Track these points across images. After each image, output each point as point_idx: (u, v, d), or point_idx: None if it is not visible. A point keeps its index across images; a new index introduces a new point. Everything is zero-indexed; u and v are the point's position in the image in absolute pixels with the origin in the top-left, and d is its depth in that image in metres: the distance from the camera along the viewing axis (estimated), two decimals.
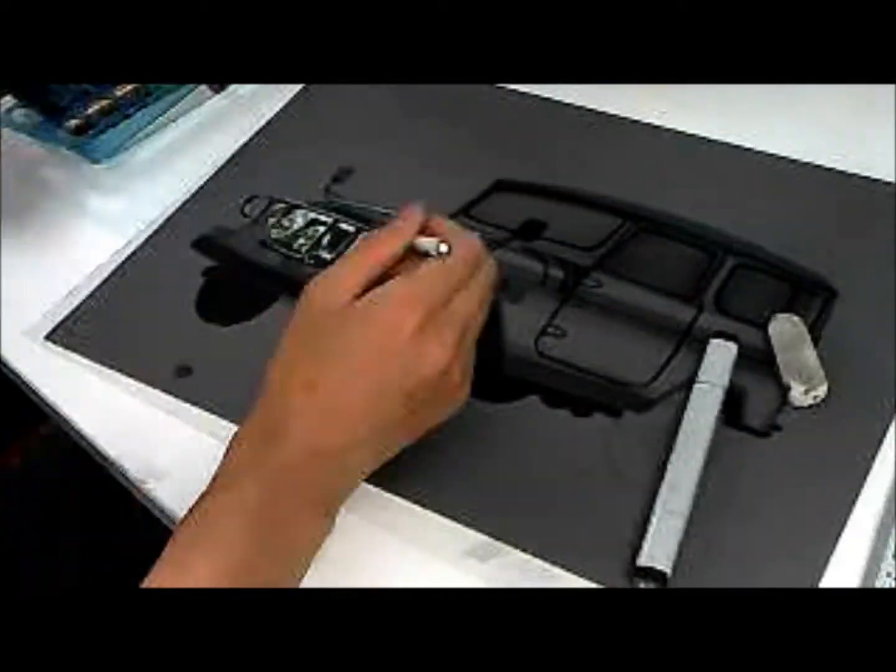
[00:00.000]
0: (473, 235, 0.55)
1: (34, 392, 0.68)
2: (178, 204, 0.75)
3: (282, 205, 0.73)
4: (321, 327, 0.53)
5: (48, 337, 0.68)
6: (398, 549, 0.56)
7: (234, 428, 0.54)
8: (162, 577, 0.48)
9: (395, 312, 0.52)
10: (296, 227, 0.72)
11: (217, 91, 0.82)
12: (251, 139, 0.78)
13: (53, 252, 0.75)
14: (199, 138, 0.80)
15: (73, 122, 0.77)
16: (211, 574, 0.48)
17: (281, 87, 0.82)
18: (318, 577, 0.52)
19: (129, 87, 0.78)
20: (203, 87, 0.81)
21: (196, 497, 0.51)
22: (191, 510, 0.50)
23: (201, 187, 0.76)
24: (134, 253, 0.72)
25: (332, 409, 0.51)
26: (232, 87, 0.82)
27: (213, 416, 0.62)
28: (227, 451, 0.52)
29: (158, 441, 0.62)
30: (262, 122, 0.80)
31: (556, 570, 0.53)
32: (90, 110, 0.77)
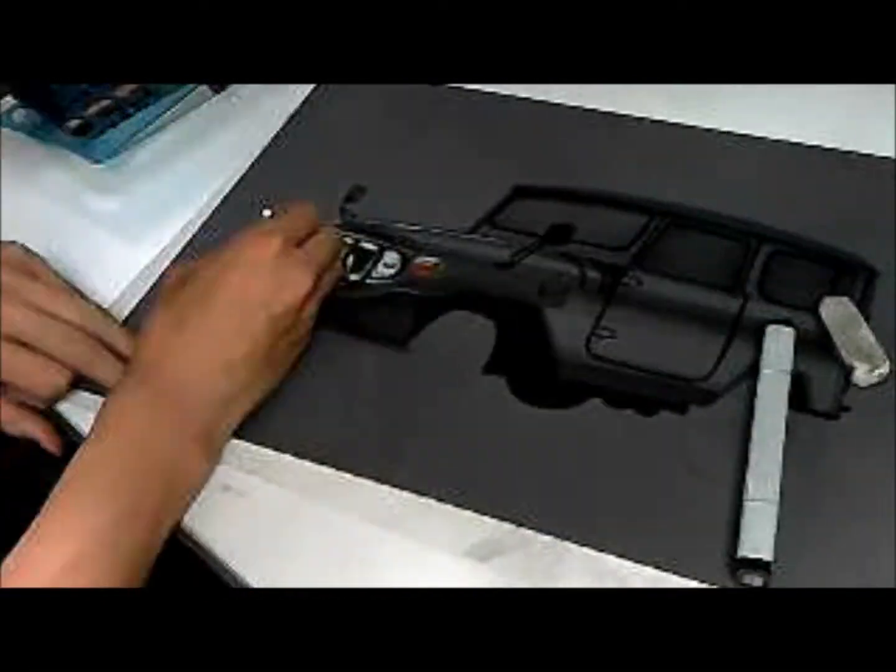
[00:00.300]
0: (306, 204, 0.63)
1: None
2: (186, 234, 0.71)
3: None
4: (193, 273, 0.58)
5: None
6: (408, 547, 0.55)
7: (292, 460, 0.58)
8: (47, 526, 0.50)
9: (256, 240, 0.58)
10: None
11: (217, 91, 0.80)
12: (255, 161, 0.75)
13: (53, 252, 0.71)
14: (199, 138, 0.78)
15: (73, 122, 0.76)
16: (93, 525, 0.49)
17: (281, 87, 0.80)
18: (319, 576, 0.51)
19: (129, 87, 0.76)
20: (203, 87, 0.79)
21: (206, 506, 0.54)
22: (79, 453, 0.52)
23: (212, 212, 0.72)
24: (152, 288, 0.69)
25: (198, 341, 0.55)
26: (232, 87, 0.80)
27: (269, 451, 0.59)
28: (105, 402, 0.55)
29: None
30: (264, 137, 0.77)
31: (559, 570, 0.53)
32: (90, 110, 0.76)
